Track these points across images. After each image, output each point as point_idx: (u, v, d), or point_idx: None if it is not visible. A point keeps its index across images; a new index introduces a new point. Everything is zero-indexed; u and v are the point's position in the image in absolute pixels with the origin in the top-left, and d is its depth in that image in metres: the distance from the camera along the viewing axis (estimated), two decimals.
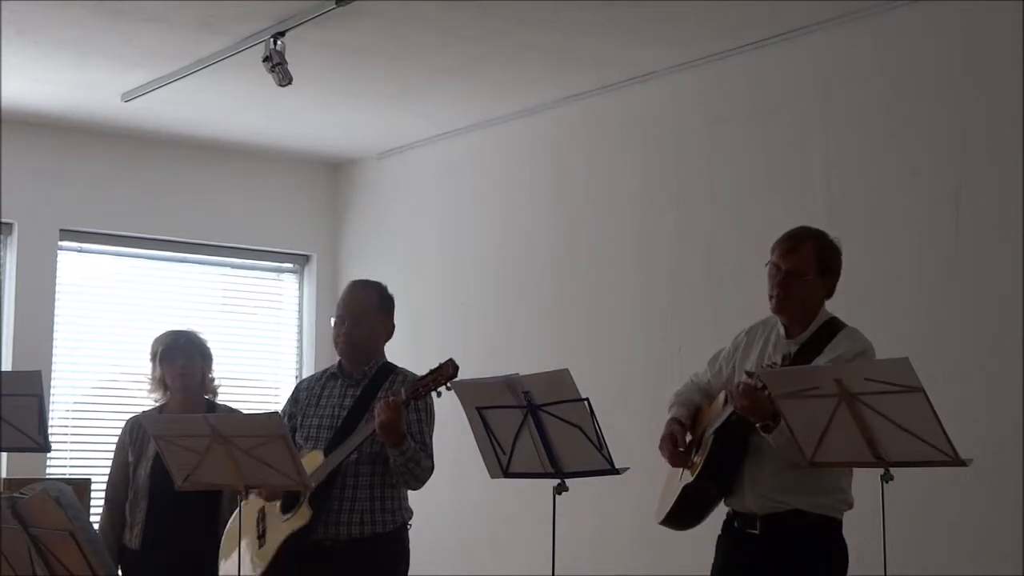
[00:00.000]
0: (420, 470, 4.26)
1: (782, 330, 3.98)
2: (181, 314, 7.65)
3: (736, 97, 5.97)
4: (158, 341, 5.06)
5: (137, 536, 4.82)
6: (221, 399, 5.19)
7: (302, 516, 4.24)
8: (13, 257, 7.26)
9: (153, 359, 5.04)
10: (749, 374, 3.77)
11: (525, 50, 5.97)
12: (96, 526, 4.87)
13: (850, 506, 3.92)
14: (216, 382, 5.11)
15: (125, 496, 4.91)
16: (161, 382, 5.00)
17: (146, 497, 4.78)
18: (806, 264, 3.91)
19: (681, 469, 4.03)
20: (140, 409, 5.21)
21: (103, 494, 5.04)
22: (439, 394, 4.25)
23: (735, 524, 3.98)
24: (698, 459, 3.96)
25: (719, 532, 4.09)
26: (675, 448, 4.01)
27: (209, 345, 5.13)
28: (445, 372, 4.19)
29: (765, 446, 3.79)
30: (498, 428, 3.81)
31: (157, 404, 5.05)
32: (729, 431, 3.89)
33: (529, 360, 5.44)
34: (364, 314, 4.48)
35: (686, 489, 3.97)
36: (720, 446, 3.90)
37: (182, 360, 4.97)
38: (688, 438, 4.05)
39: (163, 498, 4.61)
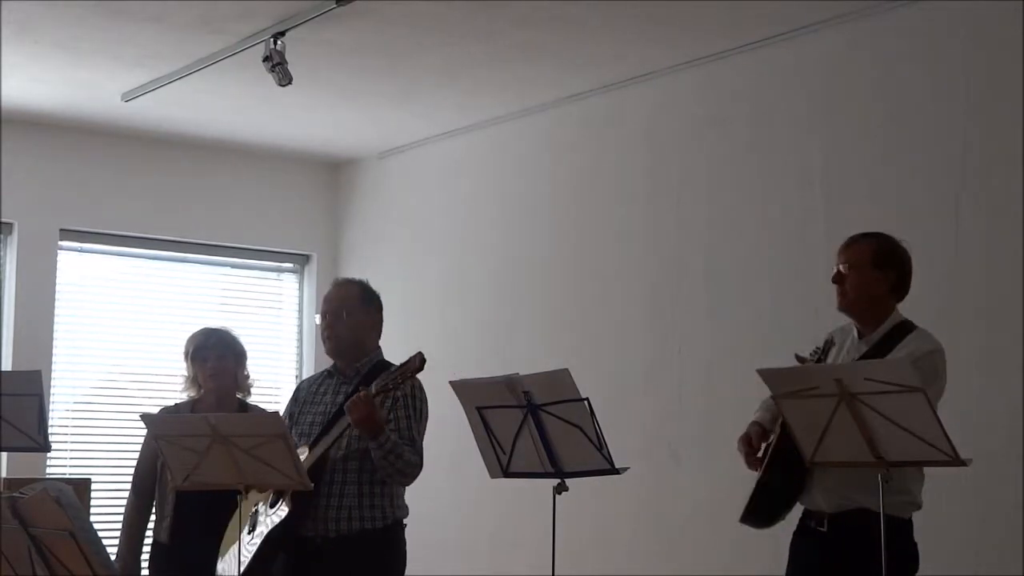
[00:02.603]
0: (403, 464, 4.23)
1: (856, 333, 3.97)
2: (181, 314, 7.65)
3: (736, 97, 5.97)
4: (190, 340, 5.03)
5: (166, 530, 4.82)
6: None
7: (282, 510, 4.25)
8: (13, 257, 7.26)
9: (185, 358, 5.01)
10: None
11: (525, 50, 5.97)
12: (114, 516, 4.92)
13: (918, 507, 3.85)
14: (251, 380, 5.08)
15: (151, 484, 4.90)
16: (195, 381, 4.98)
17: (174, 491, 4.77)
18: (860, 258, 3.94)
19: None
20: (141, 408, 5.21)
21: (109, 490, 5.01)
22: (414, 387, 4.28)
23: (808, 523, 3.94)
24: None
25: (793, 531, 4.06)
26: (750, 448, 3.94)
27: (243, 342, 5.10)
28: (411, 366, 4.18)
29: None
30: (498, 428, 3.82)
31: (190, 400, 5.02)
32: None
33: (529, 360, 5.44)
34: (346, 308, 4.49)
35: (758, 484, 3.92)
36: (786, 441, 3.81)
37: (213, 359, 4.94)
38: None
39: (191, 492, 4.59)
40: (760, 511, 3.96)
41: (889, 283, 3.94)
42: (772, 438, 3.92)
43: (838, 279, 3.95)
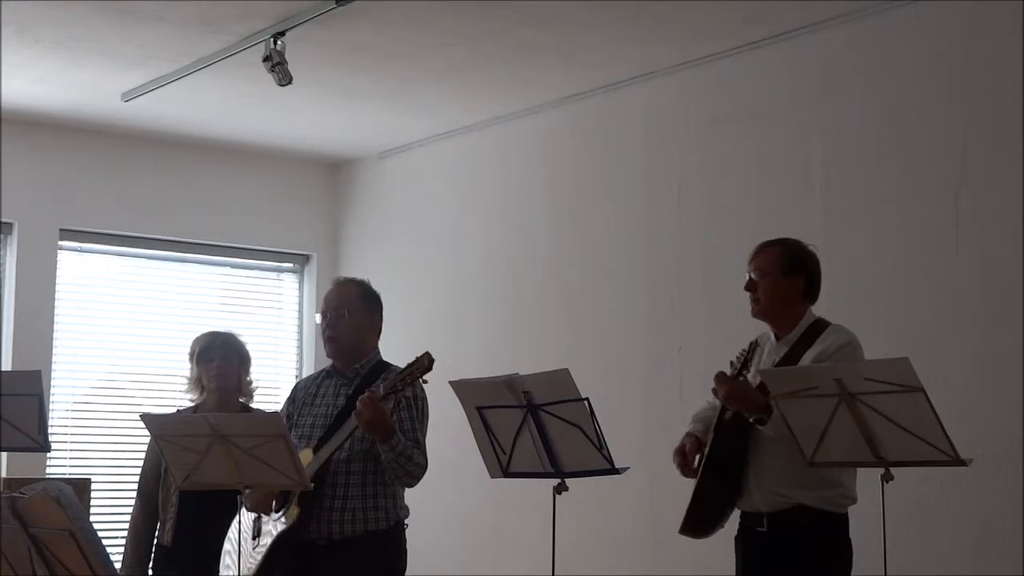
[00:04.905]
0: (412, 466, 4.23)
1: (773, 337, 4.06)
2: (181, 314, 7.66)
3: (736, 97, 5.97)
4: (196, 341, 5.07)
5: (169, 532, 4.84)
6: None
7: (291, 515, 4.24)
8: (13, 257, 7.26)
9: (191, 359, 5.05)
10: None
11: (525, 50, 5.97)
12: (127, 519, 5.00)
13: (853, 501, 3.93)
14: (254, 385, 5.12)
15: (156, 489, 4.92)
16: (198, 383, 5.02)
17: (177, 493, 4.78)
18: (769, 264, 4.03)
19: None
20: (141, 408, 5.22)
21: (109, 490, 5.02)
22: (417, 387, 4.25)
23: (747, 525, 4.00)
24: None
25: (734, 534, 4.11)
26: (684, 459, 4.03)
27: (248, 347, 5.13)
28: (420, 365, 4.16)
29: (766, 443, 3.80)
30: (498, 428, 3.82)
31: (193, 404, 5.06)
32: (729, 432, 3.90)
33: (528, 360, 5.44)
34: (347, 308, 4.47)
35: (695, 491, 3.98)
36: (719, 444, 3.93)
37: (218, 361, 4.98)
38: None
39: (193, 495, 4.60)
40: (700, 520, 4.02)
41: (801, 288, 4.03)
42: (707, 447, 3.98)
43: (750, 287, 4.04)
